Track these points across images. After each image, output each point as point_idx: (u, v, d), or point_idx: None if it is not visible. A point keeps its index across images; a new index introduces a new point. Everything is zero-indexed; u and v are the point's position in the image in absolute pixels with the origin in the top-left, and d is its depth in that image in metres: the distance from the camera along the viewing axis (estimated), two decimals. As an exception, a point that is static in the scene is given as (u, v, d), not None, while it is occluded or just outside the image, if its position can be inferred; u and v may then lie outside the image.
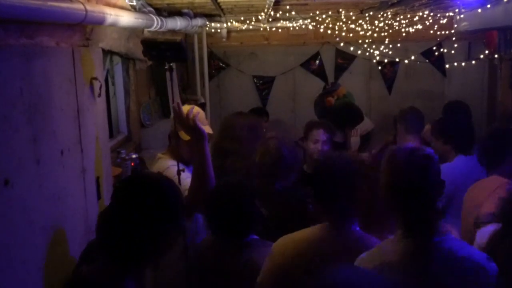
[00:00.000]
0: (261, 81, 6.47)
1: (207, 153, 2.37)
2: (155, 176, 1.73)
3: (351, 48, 5.91)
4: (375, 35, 5.83)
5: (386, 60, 6.15)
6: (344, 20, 5.31)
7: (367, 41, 5.96)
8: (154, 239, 1.57)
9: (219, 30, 6.10)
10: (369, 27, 5.62)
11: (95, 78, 2.52)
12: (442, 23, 5.42)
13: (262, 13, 4.98)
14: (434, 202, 1.72)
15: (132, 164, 3.38)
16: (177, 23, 3.99)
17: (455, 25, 5.49)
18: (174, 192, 1.65)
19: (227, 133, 3.25)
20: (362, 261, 1.77)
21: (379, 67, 6.37)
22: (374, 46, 5.92)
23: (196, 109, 2.69)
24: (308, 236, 1.96)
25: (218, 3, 4.13)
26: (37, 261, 1.77)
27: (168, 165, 2.61)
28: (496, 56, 5.42)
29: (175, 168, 2.50)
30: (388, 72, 6.43)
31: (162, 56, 2.56)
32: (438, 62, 6.25)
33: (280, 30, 6.07)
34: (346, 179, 1.88)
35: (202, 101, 5.66)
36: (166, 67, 2.58)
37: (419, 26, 5.45)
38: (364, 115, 4.82)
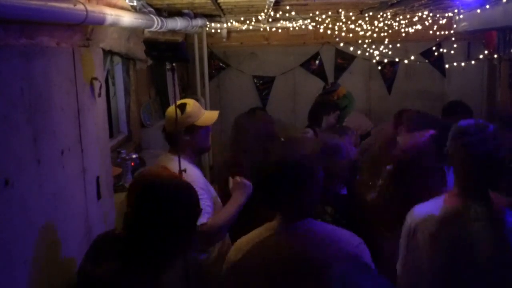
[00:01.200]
0: (261, 81, 6.47)
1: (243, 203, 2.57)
2: (177, 182, 1.75)
3: (351, 48, 5.91)
4: (375, 35, 5.84)
5: (385, 60, 6.15)
6: (344, 20, 5.32)
7: (366, 41, 5.97)
8: (173, 245, 1.61)
9: (219, 30, 6.10)
10: (369, 27, 5.62)
11: (96, 78, 2.52)
12: (442, 23, 5.43)
13: (262, 13, 4.98)
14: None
15: (132, 164, 3.39)
16: (177, 23, 3.99)
17: (455, 26, 5.50)
18: (195, 200, 1.69)
19: (239, 136, 3.36)
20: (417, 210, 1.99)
21: (379, 67, 6.38)
22: (373, 46, 5.93)
23: (192, 101, 2.75)
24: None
25: (218, 3, 4.14)
26: (37, 261, 1.78)
27: (191, 174, 2.64)
28: (495, 56, 5.43)
29: (198, 178, 2.61)
30: (388, 72, 6.43)
31: (163, 57, 2.59)
32: (438, 62, 6.26)
33: (280, 30, 6.08)
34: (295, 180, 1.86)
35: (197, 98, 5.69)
36: (169, 67, 2.61)
37: (419, 27, 5.46)
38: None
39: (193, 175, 2.62)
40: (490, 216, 1.89)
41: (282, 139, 4.21)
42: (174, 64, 2.60)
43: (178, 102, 2.69)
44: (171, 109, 2.68)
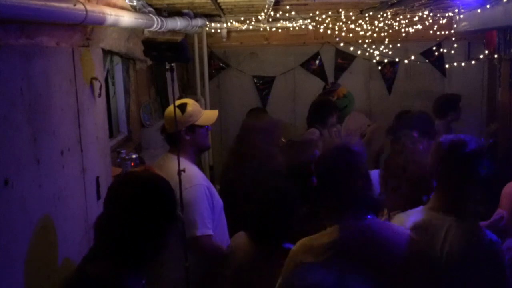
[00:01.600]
0: (261, 81, 6.47)
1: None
2: (147, 175, 1.74)
3: (351, 48, 5.91)
4: (375, 35, 5.83)
5: (386, 60, 6.15)
6: (344, 20, 5.31)
7: (367, 41, 5.96)
8: (152, 238, 1.59)
9: (219, 30, 6.10)
10: (369, 27, 5.62)
11: (95, 78, 2.52)
12: (442, 23, 5.42)
13: (262, 13, 4.98)
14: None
15: (132, 164, 3.38)
16: (177, 23, 3.99)
17: (455, 25, 5.49)
18: (167, 190, 1.67)
19: (244, 138, 3.36)
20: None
21: (379, 67, 6.37)
22: (374, 46, 5.92)
23: (191, 101, 2.76)
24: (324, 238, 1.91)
25: (218, 3, 4.13)
26: (37, 261, 1.78)
27: (195, 174, 2.66)
28: (495, 56, 5.42)
29: (200, 178, 2.63)
30: (388, 72, 6.43)
31: (163, 57, 2.59)
32: (438, 62, 6.26)
33: (280, 30, 6.07)
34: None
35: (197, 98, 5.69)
36: (167, 67, 2.62)
37: (419, 26, 5.45)
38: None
39: (194, 174, 2.63)
40: (463, 235, 1.87)
41: (283, 139, 4.21)
42: (173, 64, 2.60)
43: (178, 102, 2.69)
44: (170, 109, 2.68)
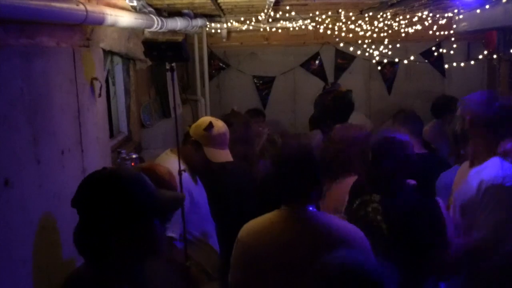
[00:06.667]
0: (261, 81, 6.47)
1: None
2: (118, 173, 1.56)
3: (351, 48, 5.91)
4: (375, 35, 5.84)
5: (385, 60, 6.14)
6: (344, 20, 5.32)
7: (366, 41, 5.96)
8: (130, 238, 1.48)
9: (219, 30, 6.10)
10: (369, 28, 5.62)
11: (96, 78, 2.52)
12: (441, 23, 5.43)
13: (262, 14, 4.99)
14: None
15: (132, 164, 3.38)
16: (177, 23, 3.99)
17: (454, 26, 5.50)
18: (140, 186, 1.52)
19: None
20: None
21: (379, 67, 6.38)
22: (373, 47, 5.92)
23: (223, 130, 2.80)
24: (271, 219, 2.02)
25: (218, 4, 4.14)
26: (37, 261, 1.78)
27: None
28: (495, 56, 5.42)
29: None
30: (388, 72, 6.43)
31: (163, 56, 2.60)
32: (438, 62, 6.26)
33: (280, 31, 6.08)
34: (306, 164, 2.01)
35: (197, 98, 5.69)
36: (168, 67, 2.63)
37: (419, 27, 5.46)
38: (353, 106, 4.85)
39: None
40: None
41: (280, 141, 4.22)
42: (173, 64, 2.61)
43: (222, 120, 2.81)
44: (206, 120, 2.77)
